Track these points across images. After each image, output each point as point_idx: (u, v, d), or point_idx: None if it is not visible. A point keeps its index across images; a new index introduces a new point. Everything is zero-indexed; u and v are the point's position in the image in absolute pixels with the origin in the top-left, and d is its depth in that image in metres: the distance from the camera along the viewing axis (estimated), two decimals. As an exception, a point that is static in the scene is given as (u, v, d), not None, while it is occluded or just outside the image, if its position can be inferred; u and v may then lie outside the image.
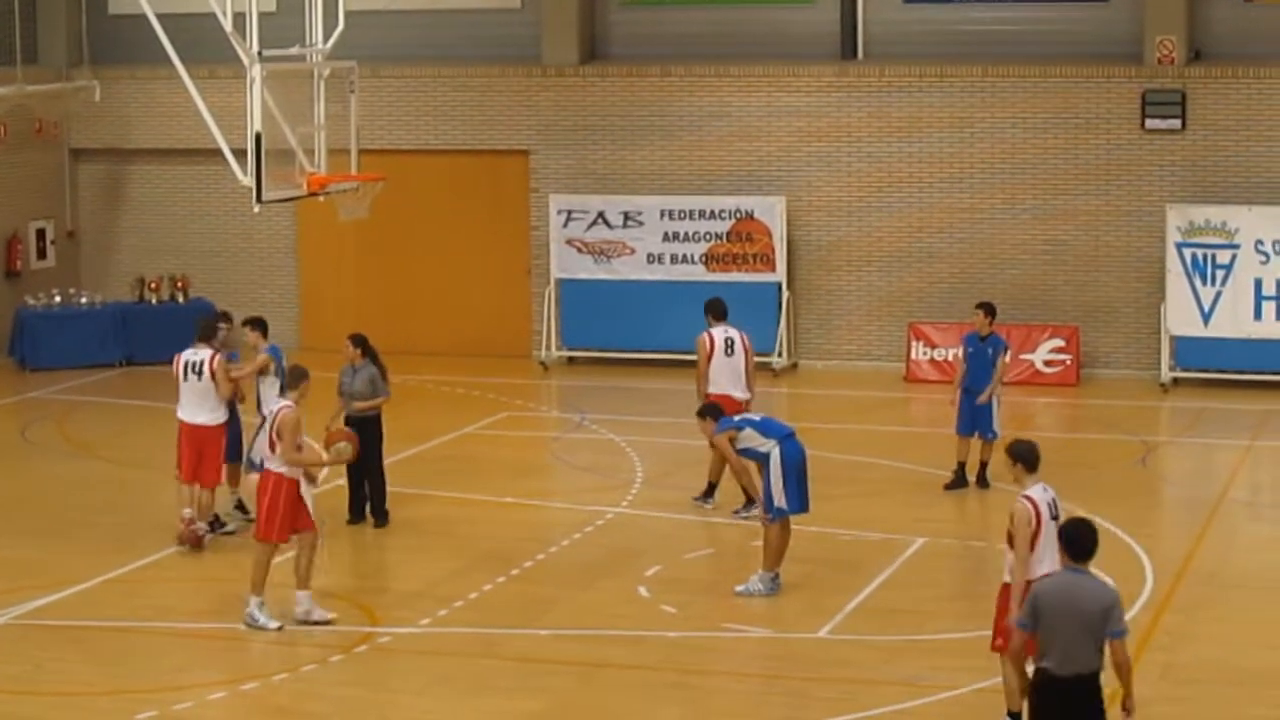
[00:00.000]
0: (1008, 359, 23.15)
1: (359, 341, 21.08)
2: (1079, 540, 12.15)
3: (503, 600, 18.39)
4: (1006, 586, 14.21)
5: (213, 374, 20.13)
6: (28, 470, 24.42)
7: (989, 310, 22.81)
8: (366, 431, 20.37)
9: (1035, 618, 12.10)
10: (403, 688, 16.13)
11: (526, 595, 18.54)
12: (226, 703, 15.69)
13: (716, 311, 21.97)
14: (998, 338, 22.83)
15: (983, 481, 22.56)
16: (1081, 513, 13.92)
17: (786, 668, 16.37)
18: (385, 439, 21.11)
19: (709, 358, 21.58)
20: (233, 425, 20.67)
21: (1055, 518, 14.02)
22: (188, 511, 20.16)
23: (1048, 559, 13.76)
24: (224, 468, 20.58)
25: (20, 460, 25.09)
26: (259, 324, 21.34)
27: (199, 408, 20.24)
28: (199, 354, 20.30)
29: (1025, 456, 14.26)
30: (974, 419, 22.50)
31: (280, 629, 17.26)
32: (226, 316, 21.84)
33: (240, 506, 21.05)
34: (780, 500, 18.18)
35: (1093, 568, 12.17)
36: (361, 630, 17.46)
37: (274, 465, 17.44)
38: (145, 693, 15.89)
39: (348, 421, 20.53)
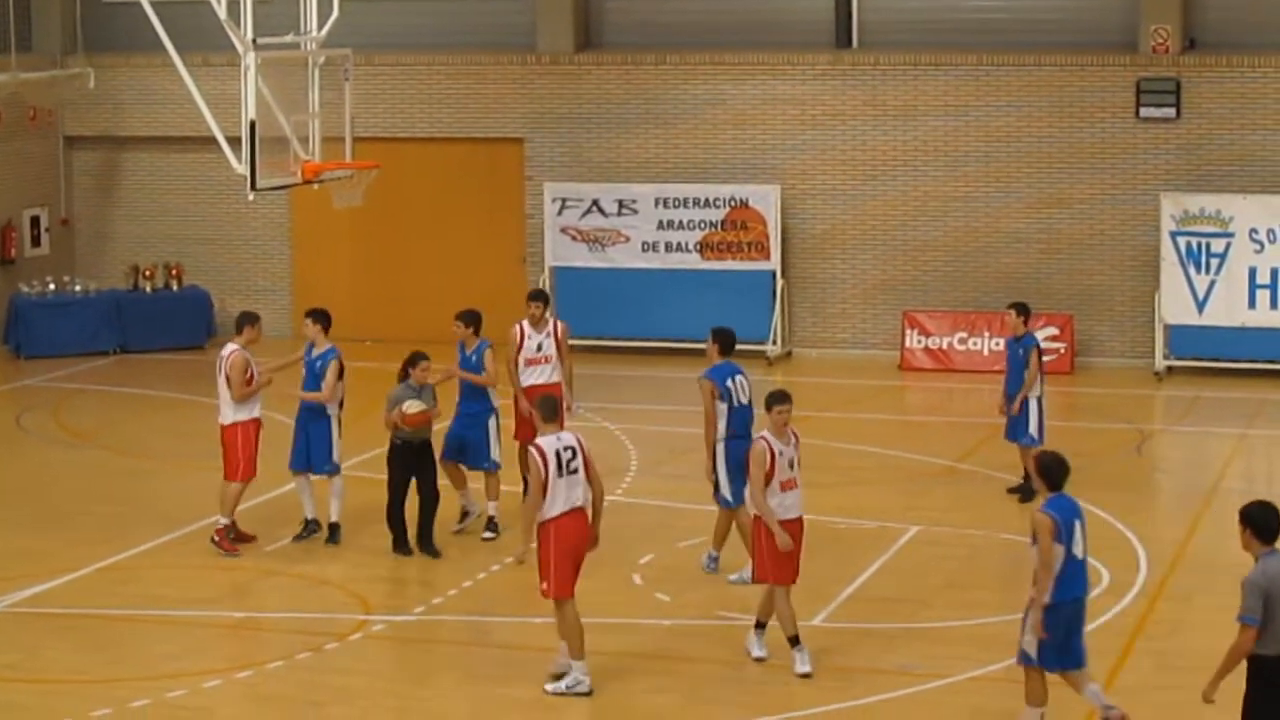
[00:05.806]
0: (1036, 358, 21.28)
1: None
2: (1266, 521, 12.18)
3: (496, 588, 18.39)
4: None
5: (228, 376, 19.28)
6: (22, 458, 24.39)
7: (1021, 310, 21.37)
8: (425, 456, 19.69)
9: (1267, 607, 11.93)
10: (396, 675, 16.13)
11: (519, 583, 18.49)
12: (221, 690, 15.68)
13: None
14: (1030, 337, 21.47)
15: (1026, 493, 21.00)
16: (1077, 501, 13.87)
17: (781, 655, 16.36)
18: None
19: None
20: (468, 422, 20.03)
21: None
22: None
23: (559, 500, 15.63)
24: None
25: (15, 448, 25.05)
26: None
27: (222, 405, 19.47)
28: (224, 349, 19.44)
29: (544, 408, 15.85)
30: (1012, 423, 21.34)
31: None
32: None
33: (464, 514, 20.39)
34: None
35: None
36: (356, 618, 17.46)
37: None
38: (139, 680, 15.90)
39: (404, 446, 19.58)
